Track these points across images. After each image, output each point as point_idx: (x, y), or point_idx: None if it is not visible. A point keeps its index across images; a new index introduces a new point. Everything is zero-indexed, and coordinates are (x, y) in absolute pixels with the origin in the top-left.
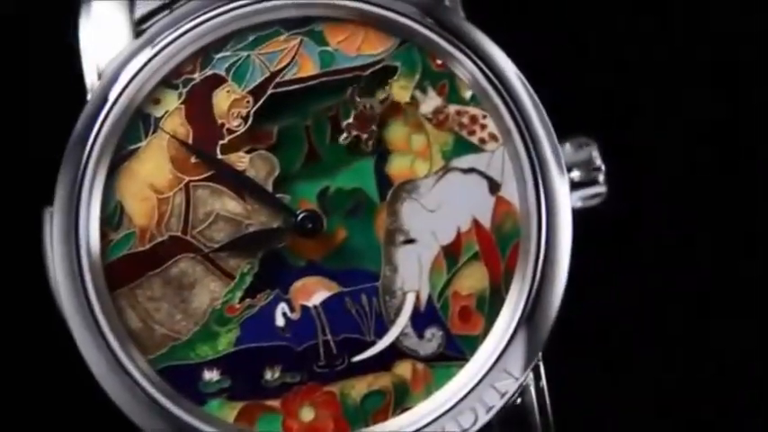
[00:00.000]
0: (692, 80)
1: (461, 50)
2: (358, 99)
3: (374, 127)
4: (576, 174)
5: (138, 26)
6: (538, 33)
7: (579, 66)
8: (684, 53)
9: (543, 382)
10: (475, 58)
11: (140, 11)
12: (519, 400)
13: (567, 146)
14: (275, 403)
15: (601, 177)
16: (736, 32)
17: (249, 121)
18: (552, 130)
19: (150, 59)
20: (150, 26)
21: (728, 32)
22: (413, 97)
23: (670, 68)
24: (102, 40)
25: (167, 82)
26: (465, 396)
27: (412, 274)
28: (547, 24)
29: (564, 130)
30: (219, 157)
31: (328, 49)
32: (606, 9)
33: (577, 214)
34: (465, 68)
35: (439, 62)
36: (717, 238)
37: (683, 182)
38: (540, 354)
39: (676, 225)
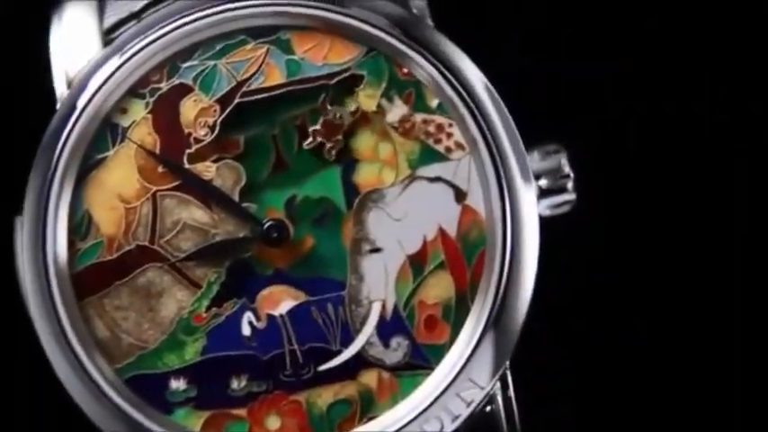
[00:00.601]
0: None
1: (428, 59)
2: (329, 107)
3: (340, 136)
4: (544, 182)
5: (108, 35)
6: (507, 41)
7: (551, 70)
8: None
9: (511, 390)
10: (441, 67)
11: (110, 19)
12: (488, 408)
13: (535, 154)
14: (242, 412)
15: (569, 185)
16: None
17: (216, 131)
18: (519, 138)
19: (118, 68)
20: (119, 35)
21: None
22: (379, 106)
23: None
24: (72, 47)
25: (134, 91)
26: (430, 405)
27: (378, 284)
28: (516, 31)
29: (534, 137)
30: (186, 166)
31: (295, 57)
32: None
33: (547, 222)
34: (431, 77)
35: (405, 71)
36: (689, 244)
37: (653, 187)
38: (508, 363)
39: (648, 229)
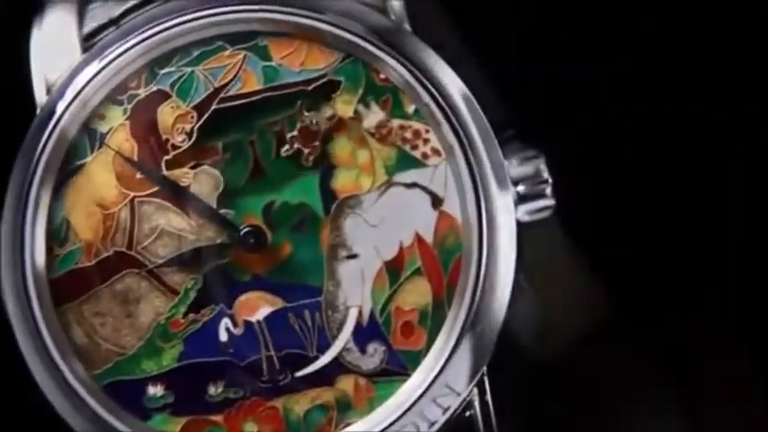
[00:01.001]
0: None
1: (404, 65)
2: (306, 113)
3: (317, 142)
4: (522, 188)
5: (87, 41)
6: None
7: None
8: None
9: (488, 396)
10: (418, 73)
11: (89, 26)
12: (467, 414)
13: (514, 160)
14: (218, 418)
15: (548, 190)
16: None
17: (194, 137)
18: (496, 144)
19: (96, 74)
20: (98, 41)
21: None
22: (356, 112)
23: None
24: (52, 53)
25: (113, 98)
26: (407, 411)
27: (354, 289)
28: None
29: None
30: (164, 172)
31: (272, 64)
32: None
33: (525, 227)
34: (408, 83)
35: (382, 77)
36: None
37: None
38: (485, 368)
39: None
